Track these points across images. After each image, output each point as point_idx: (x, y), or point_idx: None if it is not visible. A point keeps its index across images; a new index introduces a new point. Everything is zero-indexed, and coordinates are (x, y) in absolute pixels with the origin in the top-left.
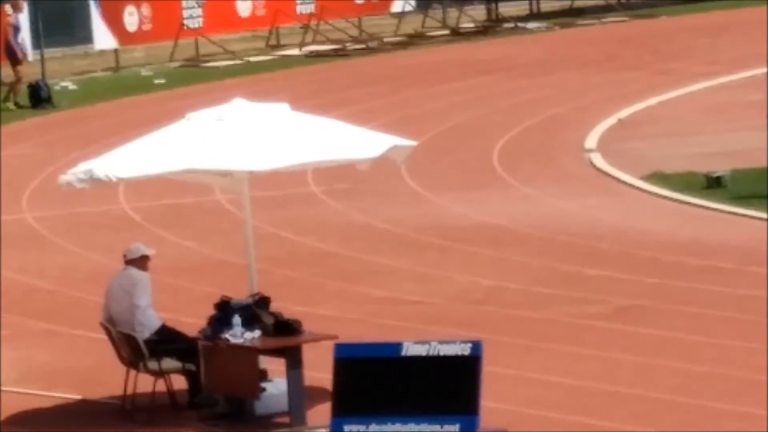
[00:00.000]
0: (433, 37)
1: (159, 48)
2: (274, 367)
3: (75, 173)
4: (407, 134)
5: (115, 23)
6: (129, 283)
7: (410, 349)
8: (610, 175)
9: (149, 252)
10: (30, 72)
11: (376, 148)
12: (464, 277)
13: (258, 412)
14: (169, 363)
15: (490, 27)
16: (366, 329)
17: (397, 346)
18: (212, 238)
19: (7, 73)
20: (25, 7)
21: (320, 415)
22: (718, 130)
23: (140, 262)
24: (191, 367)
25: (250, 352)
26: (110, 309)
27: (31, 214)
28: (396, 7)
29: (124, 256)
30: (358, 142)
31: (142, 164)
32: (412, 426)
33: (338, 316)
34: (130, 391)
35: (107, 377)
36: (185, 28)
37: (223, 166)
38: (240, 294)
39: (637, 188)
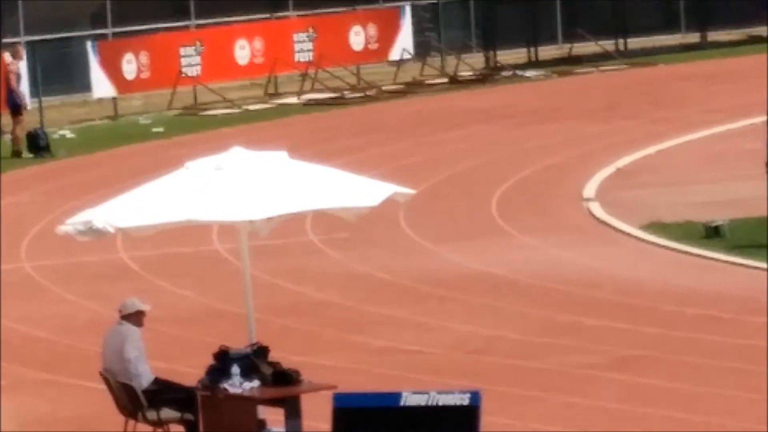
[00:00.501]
0: (431, 85)
1: (157, 96)
2: (273, 417)
3: (74, 223)
4: (405, 183)
5: (113, 71)
6: (119, 339)
7: (409, 399)
8: (608, 225)
9: (144, 307)
10: (28, 120)
11: (375, 196)
12: (463, 326)
13: None
14: (167, 413)
15: (489, 75)
16: (365, 379)
17: (396, 396)
18: (211, 288)
19: (7, 121)
20: (24, 54)
21: None
22: (716, 179)
23: (135, 317)
24: (190, 417)
25: (248, 402)
26: (106, 361)
27: (29, 263)
28: (394, 55)
29: (119, 311)
30: (356, 190)
31: (142, 215)
32: None
33: (337, 365)
34: None
35: (107, 427)
36: (184, 76)
37: (222, 218)
38: (239, 343)
39: (636, 237)
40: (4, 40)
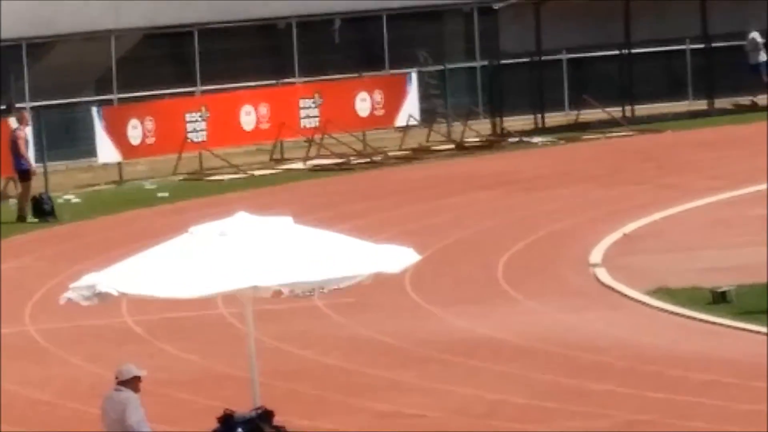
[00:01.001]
0: (437, 151)
1: (162, 161)
2: None
3: (77, 288)
4: (411, 247)
5: (118, 137)
6: (120, 407)
7: None
8: (614, 290)
9: (141, 373)
10: (33, 185)
11: (382, 263)
12: (467, 390)
13: None
14: None
15: (495, 141)
16: None
17: None
18: (215, 351)
19: (11, 185)
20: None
21: None
22: (723, 245)
23: (132, 382)
24: None
25: None
26: (107, 427)
27: (33, 326)
28: (400, 121)
29: (116, 377)
30: (363, 257)
31: (145, 282)
32: None
33: (341, 429)
34: None
35: None
36: (189, 141)
37: (226, 287)
38: (243, 407)
39: (642, 303)
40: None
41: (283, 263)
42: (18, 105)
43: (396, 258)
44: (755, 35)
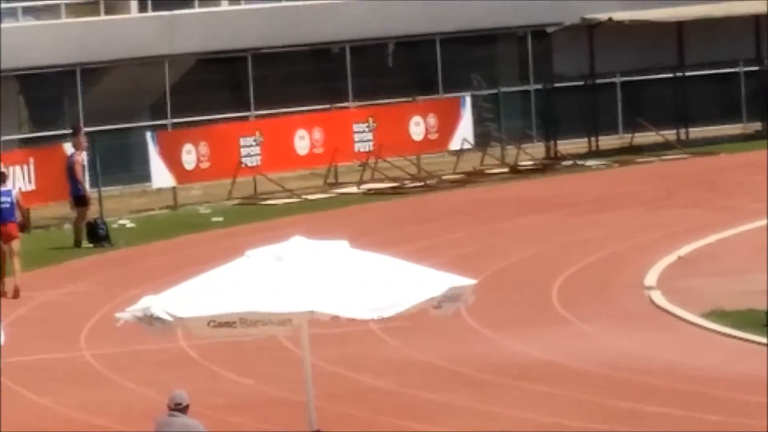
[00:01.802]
0: (491, 174)
1: (217, 186)
2: None
3: (133, 312)
4: (465, 271)
5: (172, 161)
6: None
7: None
8: (669, 312)
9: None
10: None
11: (437, 288)
12: (521, 413)
13: None
14: None
15: (549, 164)
16: None
17: None
18: (270, 375)
19: (66, 211)
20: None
21: None
22: None
23: (187, 409)
24: None
25: None
26: None
27: (88, 351)
28: (454, 145)
29: (177, 404)
30: (419, 282)
31: (201, 305)
32: None
33: None
34: None
35: None
36: (243, 166)
37: (283, 310)
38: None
39: (697, 325)
40: (64, 131)
41: (340, 288)
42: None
43: (452, 283)
44: None
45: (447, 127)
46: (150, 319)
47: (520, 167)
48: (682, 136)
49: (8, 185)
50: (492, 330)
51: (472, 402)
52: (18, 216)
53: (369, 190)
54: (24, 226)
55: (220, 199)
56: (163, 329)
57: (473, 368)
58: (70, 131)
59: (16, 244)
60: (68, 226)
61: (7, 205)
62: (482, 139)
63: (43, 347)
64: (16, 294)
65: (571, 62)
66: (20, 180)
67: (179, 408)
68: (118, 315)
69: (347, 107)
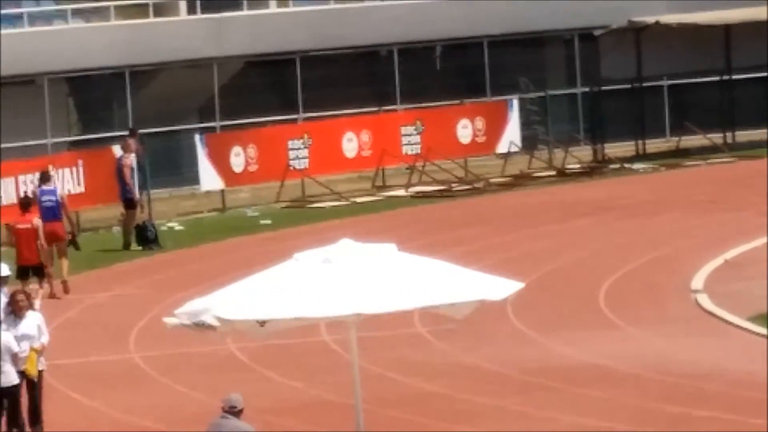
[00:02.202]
0: (538, 177)
1: (265, 189)
2: None
3: (181, 315)
4: (513, 274)
5: (221, 164)
6: None
7: None
8: (716, 316)
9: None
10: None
11: (486, 291)
12: (570, 418)
13: None
14: None
15: (596, 168)
16: None
17: None
18: (319, 379)
19: (116, 213)
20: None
21: None
22: None
23: (240, 413)
24: None
25: None
26: None
27: (137, 353)
28: (502, 148)
29: (229, 405)
30: (467, 285)
31: (250, 308)
32: None
33: None
34: None
35: None
36: (291, 168)
37: (331, 313)
38: None
39: (744, 329)
40: (114, 134)
41: (387, 290)
42: (122, 133)
43: (499, 285)
44: None
45: (494, 130)
46: (199, 327)
47: (567, 170)
48: (729, 140)
49: (51, 185)
50: (540, 333)
51: (520, 406)
52: (66, 225)
53: (417, 193)
54: (72, 237)
55: (268, 202)
56: (212, 334)
57: (521, 372)
58: (120, 134)
59: (62, 247)
60: (117, 229)
61: (51, 204)
62: (529, 142)
63: (92, 350)
64: (65, 288)
65: (618, 65)
66: (69, 182)
67: (233, 411)
68: (165, 319)
69: (395, 110)
